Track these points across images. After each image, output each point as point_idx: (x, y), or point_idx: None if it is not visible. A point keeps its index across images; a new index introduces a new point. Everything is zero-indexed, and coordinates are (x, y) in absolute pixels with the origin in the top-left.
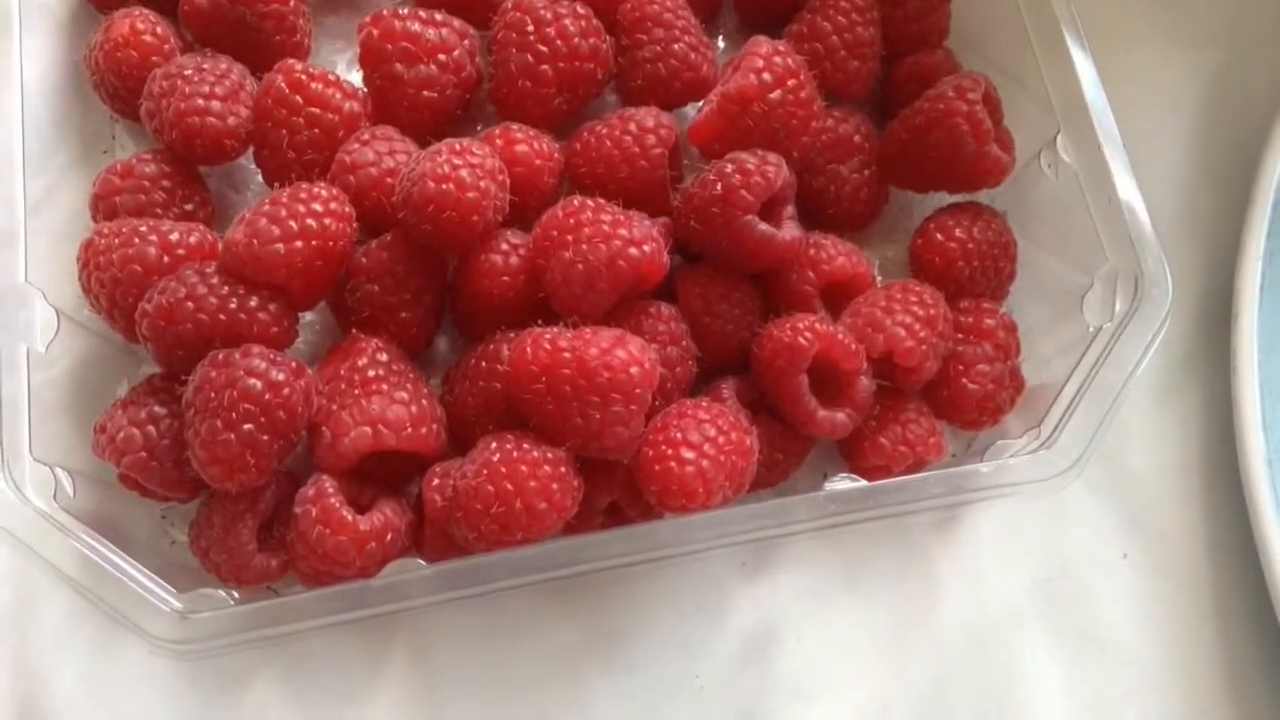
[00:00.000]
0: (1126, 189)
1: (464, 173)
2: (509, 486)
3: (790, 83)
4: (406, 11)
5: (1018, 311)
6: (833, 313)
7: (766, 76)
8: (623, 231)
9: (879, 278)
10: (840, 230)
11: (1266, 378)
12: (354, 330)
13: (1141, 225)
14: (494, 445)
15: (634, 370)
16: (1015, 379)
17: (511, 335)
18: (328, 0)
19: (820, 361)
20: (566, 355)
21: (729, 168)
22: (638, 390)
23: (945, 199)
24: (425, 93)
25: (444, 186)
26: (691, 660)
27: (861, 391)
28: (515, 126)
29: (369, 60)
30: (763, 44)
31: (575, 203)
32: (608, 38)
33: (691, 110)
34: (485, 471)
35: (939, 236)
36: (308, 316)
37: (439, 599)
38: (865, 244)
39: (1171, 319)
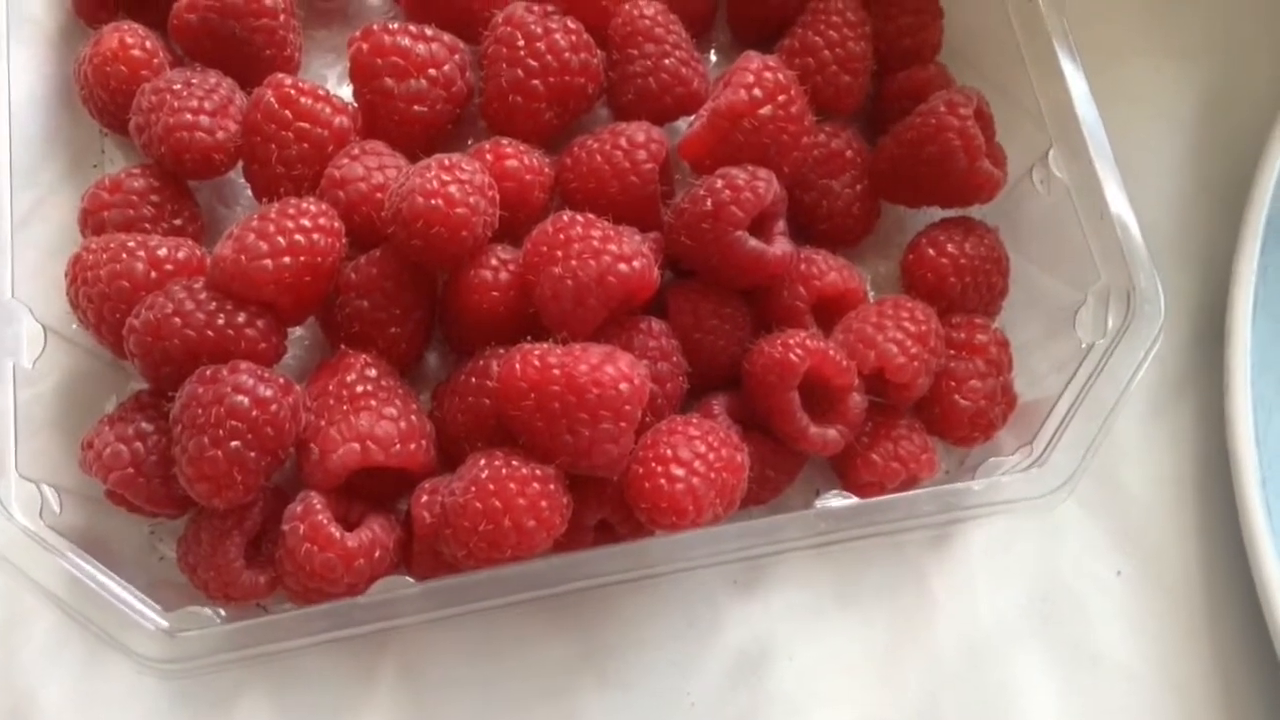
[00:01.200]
0: (1119, 204)
1: (453, 188)
2: (497, 504)
3: (781, 98)
4: (397, 26)
5: (1010, 327)
6: (824, 328)
7: (757, 92)
8: (612, 247)
9: (871, 293)
10: (833, 245)
11: (1259, 394)
12: (343, 346)
13: (1134, 241)
14: (483, 462)
15: (623, 386)
16: (1007, 395)
17: (501, 351)
18: (318, 14)
19: (812, 378)
20: (555, 372)
21: (719, 183)
22: (627, 407)
23: (938, 214)
24: (415, 107)
25: (433, 202)
26: (683, 678)
27: (853, 408)
28: (505, 141)
29: (359, 75)
30: (753, 59)
31: (565, 218)
32: (599, 52)
33: (683, 125)
34: (474, 489)
35: (931, 252)
36: (297, 331)
37: (428, 618)
38: (858, 259)
39: (1164, 335)
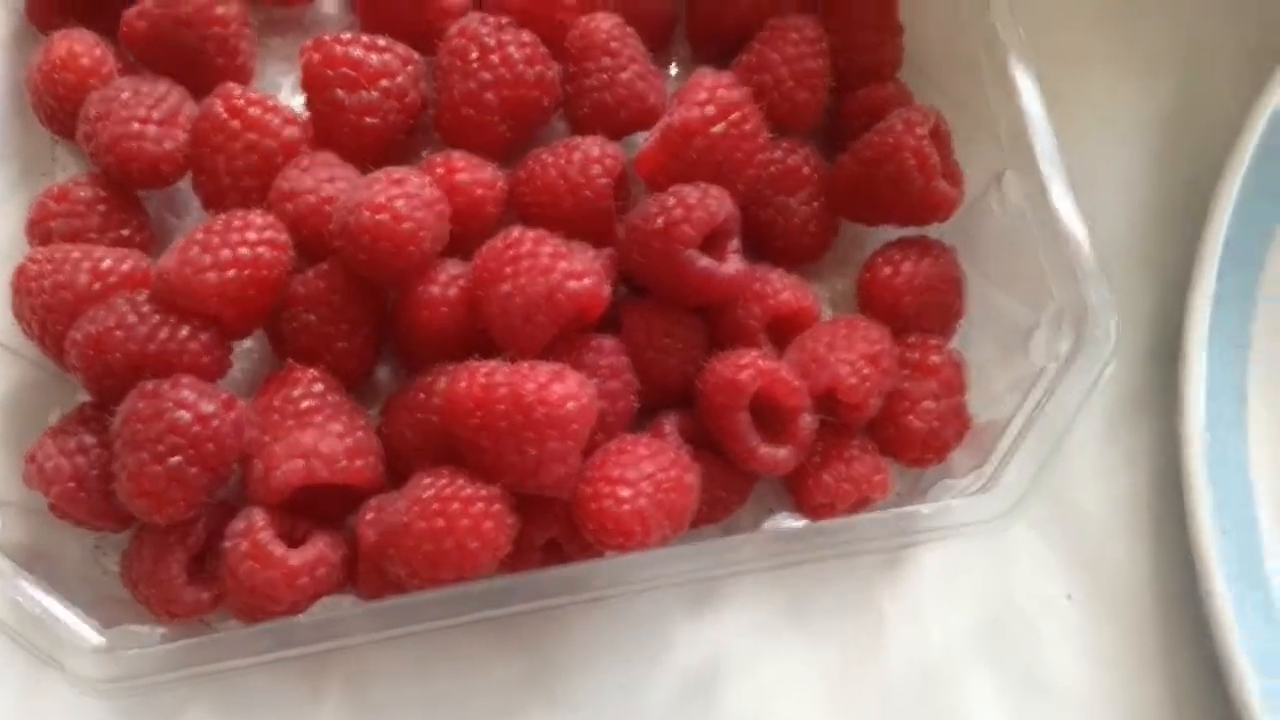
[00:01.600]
0: (1073, 225)
1: (400, 203)
2: (441, 524)
3: (734, 115)
4: (349, 36)
5: (969, 347)
6: (779, 347)
7: (710, 109)
8: (563, 264)
9: (829, 311)
10: (790, 263)
11: (1214, 417)
12: (289, 360)
13: (1087, 261)
14: (427, 481)
15: (571, 405)
16: (961, 416)
17: (450, 368)
18: (273, 22)
19: (762, 398)
20: (502, 390)
21: (670, 201)
22: (574, 426)
23: (897, 232)
24: (367, 119)
25: (380, 217)
26: (633, 699)
27: (804, 428)
28: (458, 154)
29: (310, 85)
30: (707, 75)
31: (515, 234)
32: (555, 65)
33: (641, 139)
34: (416, 509)
35: (886, 271)
36: (247, 344)
37: (374, 637)
38: (817, 276)
39: (1120, 354)
